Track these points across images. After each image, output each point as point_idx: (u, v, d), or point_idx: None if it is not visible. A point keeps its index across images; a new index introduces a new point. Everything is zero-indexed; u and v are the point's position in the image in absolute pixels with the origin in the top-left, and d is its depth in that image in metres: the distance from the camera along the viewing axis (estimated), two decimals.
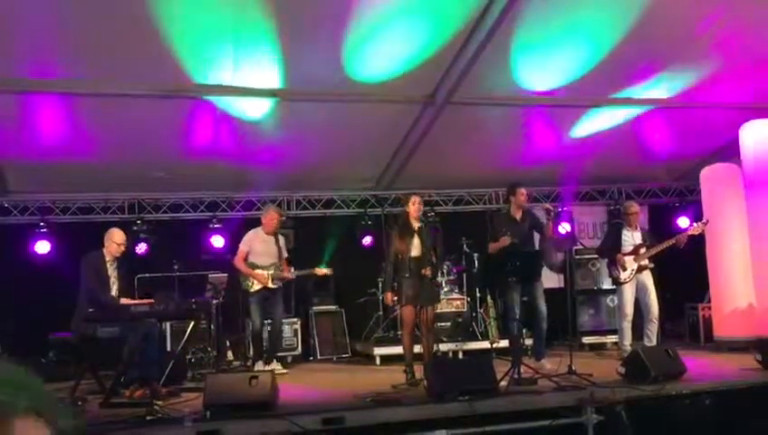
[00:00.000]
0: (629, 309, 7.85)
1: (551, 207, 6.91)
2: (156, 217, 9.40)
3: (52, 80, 6.63)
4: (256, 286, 7.74)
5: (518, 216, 6.99)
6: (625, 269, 7.87)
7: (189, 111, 7.50)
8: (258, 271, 7.75)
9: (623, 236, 8.05)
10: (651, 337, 7.79)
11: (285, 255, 7.97)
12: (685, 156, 9.86)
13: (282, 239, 8.03)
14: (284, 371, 7.73)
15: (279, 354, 8.60)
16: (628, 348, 7.63)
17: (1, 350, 7.52)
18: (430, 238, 6.70)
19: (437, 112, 7.70)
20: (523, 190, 7.05)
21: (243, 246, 7.85)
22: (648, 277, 7.90)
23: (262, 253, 7.82)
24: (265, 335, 8.02)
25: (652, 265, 7.95)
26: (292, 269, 7.97)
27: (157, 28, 5.97)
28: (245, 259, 7.81)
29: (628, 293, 7.84)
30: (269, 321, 8.01)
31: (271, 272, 7.76)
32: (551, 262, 8.33)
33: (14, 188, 8.78)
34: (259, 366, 7.62)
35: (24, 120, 7.30)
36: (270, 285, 7.74)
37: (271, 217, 7.96)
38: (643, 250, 7.90)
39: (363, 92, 7.43)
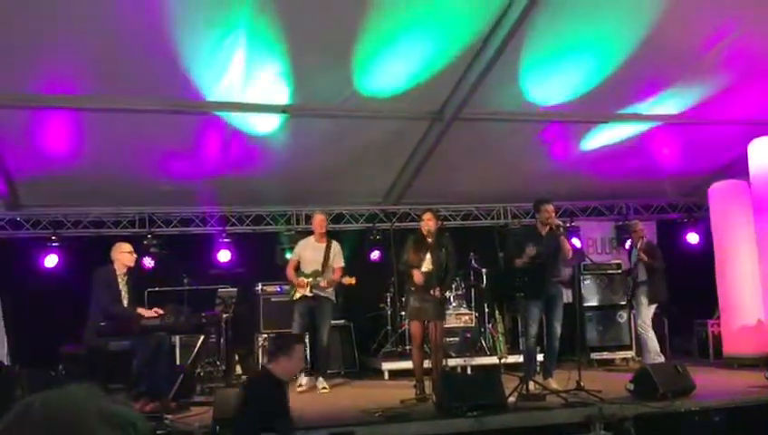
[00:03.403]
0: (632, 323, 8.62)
1: (560, 223, 6.90)
2: (166, 232, 9.45)
3: (64, 95, 6.73)
4: (297, 294, 7.52)
5: (543, 232, 6.96)
6: (628, 287, 8.51)
7: (200, 126, 7.59)
8: (300, 278, 7.53)
9: (631, 255, 8.57)
10: (640, 352, 8.42)
11: (340, 263, 7.65)
12: (693, 172, 9.87)
13: (336, 246, 7.73)
14: (327, 389, 7.47)
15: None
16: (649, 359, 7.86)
17: (13, 363, 7.57)
18: (443, 256, 6.74)
19: (446, 128, 7.75)
20: (547, 207, 6.93)
21: (293, 255, 7.77)
22: (639, 293, 8.20)
23: (309, 260, 7.60)
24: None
25: (644, 279, 8.17)
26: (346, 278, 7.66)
27: (168, 45, 6.05)
28: (295, 268, 7.62)
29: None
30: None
31: (309, 279, 7.49)
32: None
33: (25, 202, 8.86)
34: (301, 381, 7.47)
35: (37, 135, 7.39)
36: (307, 292, 7.47)
37: (316, 220, 7.75)
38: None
39: (372, 108, 7.49)
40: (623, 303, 9.06)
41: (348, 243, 9.83)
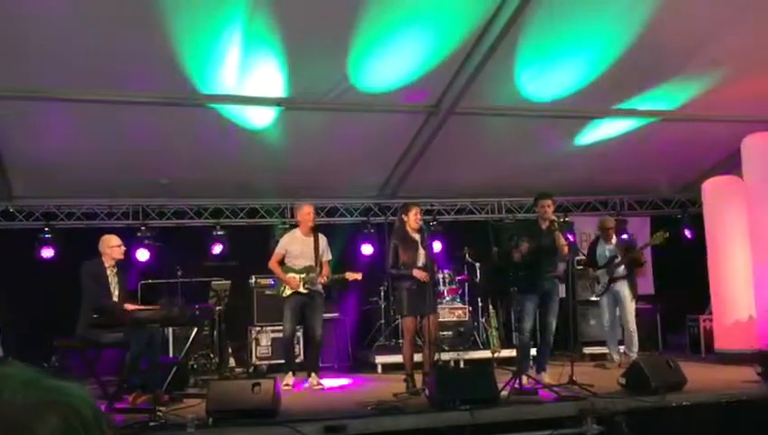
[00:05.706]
0: (605, 319, 8.53)
1: (554, 219, 6.91)
2: (160, 224, 9.45)
3: (58, 87, 6.70)
4: (288, 291, 7.22)
5: (543, 226, 6.96)
6: (598, 283, 8.51)
7: (195, 119, 7.56)
8: (290, 275, 7.24)
9: (598, 251, 8.61)
10: (630, 347, 8.20)
11: (328, 257, 7.40)
12: (687, 167, 9.90)
13: (323, 240, 7.41)
14: (321, 386, 7.18)
15: (278, 362, 8.38)
16: (615, 357, 8.25)
17: (5, 355, 7.55)
18: (431, 249, 6.75)
19: (441, 122, 7.75)
20: (543, 203, 6.94)
21: (278, 249, 7.38)
22: (622, 288, 8.26)
23: (298, 255, 7.28)
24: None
25: (625, 274, 8.28)
26: (331, 273, 7.42)
27: (163, 37, 6.03)
28: (280, 262, 7.30)
29: (604, 304, 8.51)
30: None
31: (303, 275, 7.24)
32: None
33: (19, 193, 8.84)
34: (288, 381, 7.12)
35: (31, 126, 7.37)
36: (301, 289, 7.21)
37: (304, 212, 7.36)
38: (616, 261, 8.36)
39: (367, 102, 7.48)
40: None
41: (342, 236, 9.86)
